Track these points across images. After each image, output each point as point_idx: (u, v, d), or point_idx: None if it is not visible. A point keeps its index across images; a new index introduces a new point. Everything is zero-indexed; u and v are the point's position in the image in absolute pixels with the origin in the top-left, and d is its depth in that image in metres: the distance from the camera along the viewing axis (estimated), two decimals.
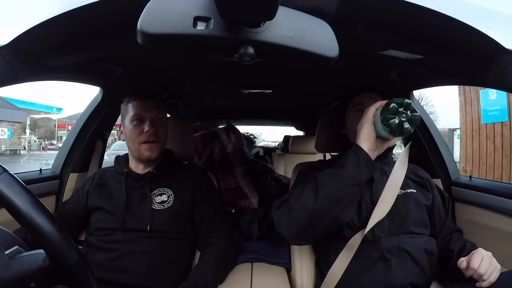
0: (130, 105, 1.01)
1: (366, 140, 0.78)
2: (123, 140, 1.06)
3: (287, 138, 3.15)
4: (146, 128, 0.98)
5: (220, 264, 0.95)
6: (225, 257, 0.99)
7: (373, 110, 0.79)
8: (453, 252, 0.87)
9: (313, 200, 0.76)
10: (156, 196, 1.00)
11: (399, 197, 0.88)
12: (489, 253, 0.75)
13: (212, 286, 0.89)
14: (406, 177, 0.92)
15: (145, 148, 0.99)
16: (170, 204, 1.00)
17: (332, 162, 1.02)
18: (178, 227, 0.99)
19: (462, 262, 0.75)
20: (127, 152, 1.08)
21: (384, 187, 0.88)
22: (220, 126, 2.74)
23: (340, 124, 1.05)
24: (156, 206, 0.99)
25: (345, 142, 1.01)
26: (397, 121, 0.72)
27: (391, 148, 0.95)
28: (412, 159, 1.00)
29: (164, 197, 1.01)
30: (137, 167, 1.04)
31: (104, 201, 1.00)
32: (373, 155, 0.79)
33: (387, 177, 0.90)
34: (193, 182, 1.05)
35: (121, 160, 1.09)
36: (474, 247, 0.88)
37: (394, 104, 0.72)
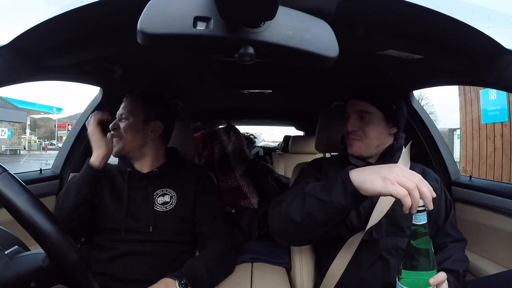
0: None
1: (363, 181, 0.66)
2: None
3: (287, 138, 3.16)
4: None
5: (216, 264, 0.93)
6: (223, 258, 0.97)
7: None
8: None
9: (298, 215, 0.74)
10: (158, 197, 0.99)
11: (400, 201, 0.87)
12: None
13: (202, 281, 0.85)
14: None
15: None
16: (172, 206, 0.99)
17: (335, 160, 1.02)
18: (179, 230, 0.98)
19: None
20: None
21: None
22: (220, 126, 2.74)
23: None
24: (158, 207, 0.98)
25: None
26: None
27: (400, 148, 0.94)
28: (412, 159, 1.00)
29: (167, 198, 1.00)
30: (140, 166, 1.03)
31: (108, 199, 0.99)
32: (363, 191, 0.69)
33: None
34: (195, 183, 1.04)
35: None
36: (463, 264, 0.86)
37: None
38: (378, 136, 0.91)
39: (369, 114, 0.90)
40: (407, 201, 0.62)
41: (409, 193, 0.62)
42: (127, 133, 1.00)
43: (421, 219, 0.64)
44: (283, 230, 0.82)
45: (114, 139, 0.99)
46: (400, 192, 0.62)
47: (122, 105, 1.03)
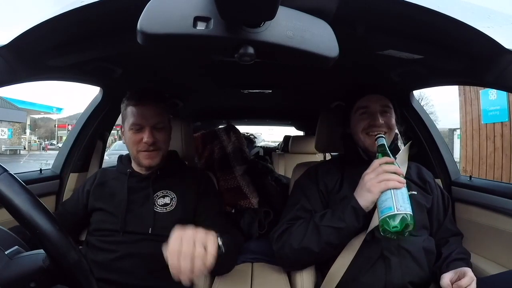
0: (129, 110, 0.97)
1: (364, 201, 0.80)
2: (124, 143, 1.04)
3: (287, 138, 3.15)
4: (145, 138, 0.94)
5: (232, 243, 0.93)
6: (236, 244, 0.99)
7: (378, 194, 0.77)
8: (441, 256, 0.90)
9: (316, 246, 0.84)
10: (159, 198, 0.99)
11: None
12: (474, 278, 0.78)
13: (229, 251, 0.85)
14: (409, 179, 0.93)
15: (144, 157, 0.97)
16: (172, 208, 0.98)
17: (331, 166, 1.02)
18: None
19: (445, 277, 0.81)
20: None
21: None
22: (220, 126, 2.74)
23: (344, 123, 1.04)
24: (158, 208, 0.97)
25: (350, 141, 1.01)
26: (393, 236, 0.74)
27: (396, 148, 0.97)
28: (412, 159, 1.00)
29: (167, 200, 0.99)
30: (140, 168, 1.03)
31: (105, 202, 0.98)
32: (369, 208, 0.82)
33: None
34: (197, 186, 1.03)
35: (124, 159, 1.08)
36: (466, 255, 0.90)
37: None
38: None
39: (390, 109, 0.96)
40: (394, 185, 0.74)
41: (389, 179, 0.75)
42: (166, 143, 0.99)
43: (381, 141, 0.85)
44: (297, 262, 0.93)
45: (153, 152, 0.96)
46: (383, 186, 0.75)
47: (146, 115, 0.95)
